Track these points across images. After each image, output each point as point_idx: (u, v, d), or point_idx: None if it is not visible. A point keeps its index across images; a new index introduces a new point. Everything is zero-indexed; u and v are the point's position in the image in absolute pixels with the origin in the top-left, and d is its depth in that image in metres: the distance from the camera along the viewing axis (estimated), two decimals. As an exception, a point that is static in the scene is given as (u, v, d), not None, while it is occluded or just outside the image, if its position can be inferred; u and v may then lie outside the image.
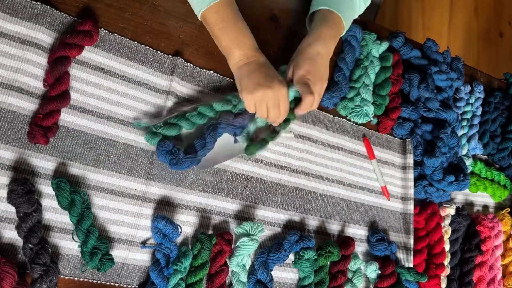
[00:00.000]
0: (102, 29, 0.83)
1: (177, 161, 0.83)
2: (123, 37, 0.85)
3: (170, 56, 0.89)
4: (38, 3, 0.77)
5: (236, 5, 0.88)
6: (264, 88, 0.84)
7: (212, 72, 0.94)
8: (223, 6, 0.85)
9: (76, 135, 0.79)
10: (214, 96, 0.92)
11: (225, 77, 0.95)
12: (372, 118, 1.13)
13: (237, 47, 0.87)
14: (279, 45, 1.04)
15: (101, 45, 0.83)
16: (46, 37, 0.77)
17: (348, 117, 1.11)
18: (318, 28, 0.94)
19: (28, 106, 0.75)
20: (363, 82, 1.11)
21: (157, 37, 0.89)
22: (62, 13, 0.80)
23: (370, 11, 1.02)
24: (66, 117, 0.78)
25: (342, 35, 1.01)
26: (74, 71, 0.80)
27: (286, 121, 0.92)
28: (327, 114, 1.08)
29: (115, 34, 0.84)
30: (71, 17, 0.81)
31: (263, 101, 0.85)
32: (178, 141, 0.87)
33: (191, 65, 0.92)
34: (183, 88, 0.90)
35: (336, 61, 1.09)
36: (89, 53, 0.81)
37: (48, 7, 0.78)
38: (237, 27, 0.87)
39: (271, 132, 0.93)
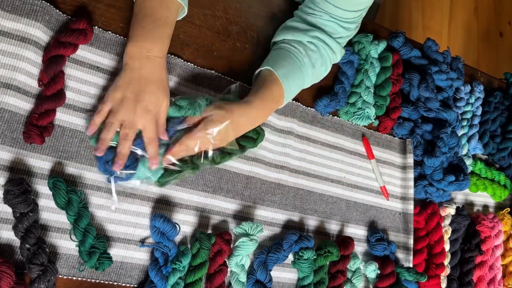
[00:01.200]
0: (96, 27, 0.83)
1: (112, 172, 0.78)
2: (117, 35, 0.84)
3: (168, 54, 0.89)
4: (39, 0, 0.77)
5: (174, 14, 0.82)
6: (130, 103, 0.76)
7: (213, 72, 0.94)
8: (158, 1, 0.79)
9: (72, 134, 0.78)
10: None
11: (225, 77, 0.95)
12: (373, 120, 1.13)
13: (131, 42, 0.78)
14: (278, 45, 1.04)
15: (95, 44, 0.82)
16: (44, 36, 0.77)
17: (350, 121, 1.10)
18: (257, 98, 0.87)
19: (24, 105, 0.75)
20: (365, 85, 1.11)
21: (156, 36, 0.89)
22: (61, 12, 0.80)
23: (370, 11, 1.01)
24: (62, 116, 0.78)
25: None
26: (69, 70, 0.79)
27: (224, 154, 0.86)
28: (327, 114, 1.07)
29: (110, 32, 0.84)
30: (69, 17, 0.81)
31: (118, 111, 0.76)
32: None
33: (191, 64, 0.91)
34: (182, 87, 0.90)
35: (337, 73, 1.09)
36: (83, 52, 0.81)
37: (47, 3, 0.78)
38: (149, 25, 0.79)
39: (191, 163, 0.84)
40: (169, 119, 0.83)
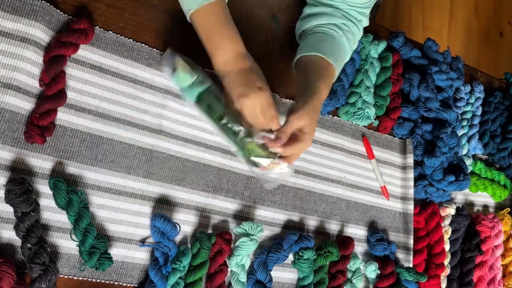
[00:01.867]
0: (97, 27, 0.83)
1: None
2: (118, 35, 0.85)
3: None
4: (38, 0, 0.77)
5: (227, 9, 0.85)
6: (245, 97, 0.82)
7: (213, 71, 0.94)
8: (211, 10, 0.82)
9: (73, 134, 0.79)
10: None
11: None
12: (373, 120, 1.13)
13: (219, 51, 0.83)
14: (279, 45, 1.04)
15: (96, 43, 0.82)
16: (44, 36, 0.77)
17: (349, 121, 1.11)
18: (325, 87, 0.89)
19: (25, 105, 0.75)
20: (365, 85, 1.11)
21: (157, 36, 0.89)
22: (61, 12, 0.80)
23: (370, 11, 1.02)
24: (63, 116, 0.78)
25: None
26: (70, 69, 0.79)
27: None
28: (327, 114, 1.07)
29: (110, 32, 0.84)
30: (70, 16, 0.81)
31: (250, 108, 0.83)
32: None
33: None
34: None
35: None
36: (84, 52, 0.81)
37: (47, 3, 0.78)
38: (225, 30, 0.83)
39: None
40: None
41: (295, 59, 0.94)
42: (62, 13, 0.80)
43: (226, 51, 0.83)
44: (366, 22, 1.02)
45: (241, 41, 0.85)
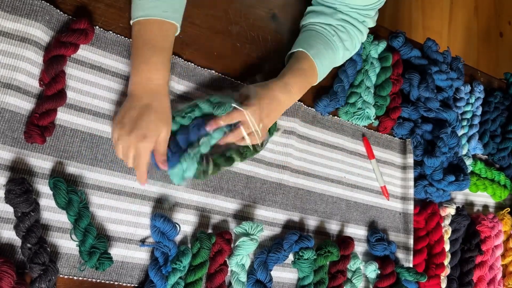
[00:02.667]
0: (97, 27, 0.83)
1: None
2: (118, 35, 0.85)
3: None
4: (38, 0, 0.77)
5: (173, 36, 0.81)
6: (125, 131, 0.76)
7: (213, 71, 0.94)
8: (157, 27, 0.78)
9: (73, 134, 0.79)
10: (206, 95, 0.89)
11: (226, 77, 0.95)
12: (373, 120, 1.13)
13: (134, 73, 0.79)
14: (279, 45, 1.04)
15: (96, 43, 0.82)
16: (44, 35, 0.77)
17: (349, 121, 1.11)
18: (290, 75, 0.92)
19: (25, 105, 0.75)
20: (365, 85, 1.11)
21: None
22: (61, 12, 0.80)
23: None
24: (63, 116, 0.78)
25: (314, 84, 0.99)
26: (70, 69, 0.79)
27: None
28: (327, 113, 1.07)
29: (110, 32, 0.84)
30: (70, 16, 0.81)
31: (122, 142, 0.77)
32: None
33: (192, 64, 0.91)
34: (181, 86, 0.90)
35: (337, 72, 1.09)
36: (84, 52, 0.81)
37: (47, 3, 0.78)
38: (159, 56, 0.79)
39: (237, 151, 0.88)
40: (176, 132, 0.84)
41: (286, 58, 0.99)
42: (62, 13, 0.80)
43: (147, 76, 0.78)
44: (371, 23, 1.03)
45: (167, 72, 0.81)
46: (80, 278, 0.77)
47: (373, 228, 1.10)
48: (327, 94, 1.06)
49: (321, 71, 0.97)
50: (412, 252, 1.11)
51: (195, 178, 0.83)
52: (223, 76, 0.95)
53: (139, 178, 0.80)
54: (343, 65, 1.09)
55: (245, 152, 0.89)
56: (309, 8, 1.03)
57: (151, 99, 0.78)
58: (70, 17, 0.81)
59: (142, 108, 0.77)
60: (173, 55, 0.89)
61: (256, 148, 0.89)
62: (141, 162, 0.77)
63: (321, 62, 0.96)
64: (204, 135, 0.83)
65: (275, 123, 0.94)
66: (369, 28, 1.05)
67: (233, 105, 0.84)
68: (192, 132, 0.83)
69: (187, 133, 0.83)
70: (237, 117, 0.84)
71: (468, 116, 1.32)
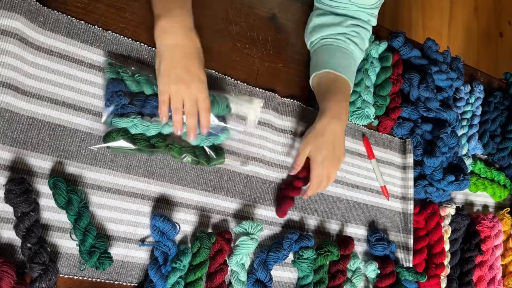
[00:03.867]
0: (96, 26, 0.83)
1: (116, 104, 0.80)
2: (117, 35, 0.85)
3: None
4: (36, 3, 0.77)
5: None
6: (182, 83, 0.78)
7: (213, 71, 0.94)
8: None
9: (73, 134, 0.79)
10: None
11: (226, 77, 0.95)
12: (373, 120, 1.13)
13: (166, 16, 0.77)
14: (279, 45, 1.04)
15: (95, 43, 0.82)
16: (40, 37, 0.77)
17: (349, 120, 1.11)
18: (332, 102, 0.93)
19: (24, 105, 0.75)
20: (364, 85, 1.11)
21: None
22: (60, 13, 0.80)
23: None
24: (62, 116, 0.78)
25: None
26: (69, 69, 0.79)
27: (218, 154, 0.88)
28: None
29: (109, 31, 0.84)
30: (69, 16, 0.81)
31: (178, 94, 0.79)
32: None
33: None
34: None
35: None
36: (84, 51, 0.81)
37: (40, 5, 0.78)
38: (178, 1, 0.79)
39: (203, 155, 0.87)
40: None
41: (310, 79, 0.99)
42: (61, 13, 0.80)
43: (174, 20, 0.78)
44: (374, 22, 1.04)
45: (191, 15, 0.81)
46: (80, 278, 0.77)
47: (373, 228, 1.10)
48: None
49: (352, 82, 0.99)
50: (412, 252, 1.11)
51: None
52: (223, 76, 0.95)
53: (206, 122, 0.81)
54: None
55: (175, 150, 0.85)
56: (314, 21, 1.02)
57: (187, 42, 0.79)
58: (69, 16, 0.81)
59: (182, 57, 0.78)
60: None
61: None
62: (207, 104, 0.80)
63: (350, 74, 0.98)
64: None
65: (223, 154, 0.90)
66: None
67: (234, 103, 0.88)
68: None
69: None
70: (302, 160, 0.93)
71: (468, 116, 1.32)
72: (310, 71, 1.00)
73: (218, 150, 0.89)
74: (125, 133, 0.80)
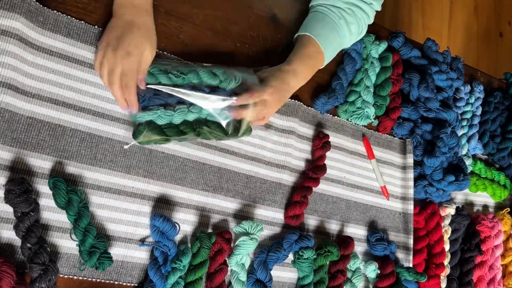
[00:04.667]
0: (96, 26, 0.83)
1: (143, 99, 0.82)
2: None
3: (165, 53, 0.89)
4: (36, 3, 0.77)
5: None
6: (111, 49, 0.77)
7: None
8: None
9: (72, 134, 0.79)
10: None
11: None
12: (373, 120, 1.13)
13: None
14: (279, 45, 1.04)
15: (95, 43, 0.82)
16: (41, 37, 0.77)
17: (349, 120, 1.11)
18: (297, 60, 0.95)
19: (24, 105, 0.75)
20: (364, 84, 1.11)
21: (157, 37, 0.89)
22: (59, 13, 0.80)
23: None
24: (62, 116, 0.78)
25: (321, 67, 1.01)
26: (69, 69, 0.79)
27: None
28: (327, 113, 1.07)
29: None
30: (69, 16, 0.81)
31: (106, 59, 0.78)
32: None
33: (191, 63, 0.91)
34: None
35: (336, 70, 1.09)
36: (84, 51, 0.81)
37: (43, 7, 0.78)
38: None
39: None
40: (214, 88, 0.86)
41: (294, 38, 1.01)
42: (60, 13, 0.80)
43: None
44: (378, 7, 1.04)
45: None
46: (80, 278, 0.77)
47: (373, 228, 1.10)
48: (326, 92, 1.06)
49: (328, 55, 0.99)
50: (412, 252, 1.11)
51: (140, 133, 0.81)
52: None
53: (129, 99, 0.79)
54: (341, 62, 1.09)
55: (203, 133, 0.86)
56: None
57: (134, 16, 0.79)
58: (69, 17, 0.81)
59: (125, 26, 0.78)
60: (172, 54, 0.89)
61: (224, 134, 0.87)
62: (129, 80, 0.78)
63: (328, 47, 0.98)
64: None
65: (250, 126, 0.92)
66: (369, 28, 1.05)
67: (246, 77, 0.88)
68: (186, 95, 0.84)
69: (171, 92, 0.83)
70: (258, 96, 0.86)
71: (468, 116, 1.32)
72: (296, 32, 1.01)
73: (243, 121, 0.89)
74: (152, 126, 0.82)
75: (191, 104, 0.85)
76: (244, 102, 0.86)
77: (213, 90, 0.86)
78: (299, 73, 0.95)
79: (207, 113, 0.86)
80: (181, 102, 0.85)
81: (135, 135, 0.81)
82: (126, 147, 0.82)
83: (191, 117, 0.85)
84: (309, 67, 0.98)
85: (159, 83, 0.84)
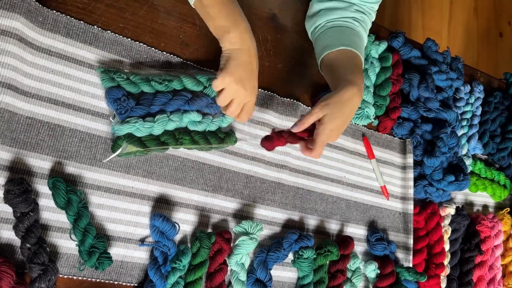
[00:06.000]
0: (95, 26, 0.83)
1: (125, 110, 0.80)
2: (116, 35, 0.84)
3: (164, 53, 0.89)
4: (36, 3, 0.77)
5: None
6: (241, 85, 0.82)
7: (213, 71, 0.94)
8: None
9: (72, 134, 0.79)
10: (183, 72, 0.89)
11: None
12: (373, 120, 1.13)
13: (235, 28, 0.81)
14: (279, 45, 1.04)
15: (95, 43, 0.82)
16: (40, 37, 0.77)
17: (349, 119, 1.11)
18: (356, 76, 0.87)
19: (23, 105, 0.75)
20: (364, 84, 1.11)
21: (157, 37, 0.89)
22: (59, 13, 0.80)
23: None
24: (62, 116, 0.78)
25: None
26: (68, 69, 0.79)
27: (229, 135, 0.91)
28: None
29: (108, 32, 0.84)
30: (68, 16, 0.81)
31: (232, 93, 0.82)
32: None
33: (191, 63, 0.91)
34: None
35: None
36: (83, 51, 0.81)
37: (42, 7, 0.78)
38: (235, 8, 0.82)
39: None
40: (197, 94, 0.87)
41: (320, 59, 0.95)
42: (60, 13, 0.80)
43: (238, 27, 0.81)
44: (374, 17, 1.03)
45: (245, 17, 0.84)
46: (80, 278, 0.77)
47: (373, 227, 1.10)
48: (325, 92, 1.06)
49: (363, 64, 0.96)
50: (412, 252, 1.11)
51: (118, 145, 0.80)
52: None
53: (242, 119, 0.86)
54: None
55: (185, 143, 0.86)
56: (317, 6, 0.99)
57: (251, 46, 0.83)
58: (68, 17, 0.81)
59: (253, 66, 0.84)
60: (172, 54, 0.89)
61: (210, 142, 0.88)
62: (248, 116, 0.86)
63: (363, 55, 0.94)
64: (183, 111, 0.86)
65: (234, 134, 0.92)
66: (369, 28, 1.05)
67: None
68: (174, 102, 0.85)
69: (156, 99, 0.84)
70: (309, 121, 0.84)
71: (468, 116, 1.32)
72: (320, 53, 0.95)
73: (229, 132, 0.91)
74: (131, 138, 0.80)
75: (171, 112, 0.85)
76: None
77: (197, 96, 0.87)
78: (360, 87, 0.87)
79: (187, 121, 0.86)
80: (162, 110, 0.84)
81: (113, 148, 0.80)
82: (105, 160, 0.81)
83: (171, 126, 0.84)
84: (362, 78, 0.91)
85: (141, 92, 0.84)
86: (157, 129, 0.83)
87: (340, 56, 0.91)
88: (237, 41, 0.81)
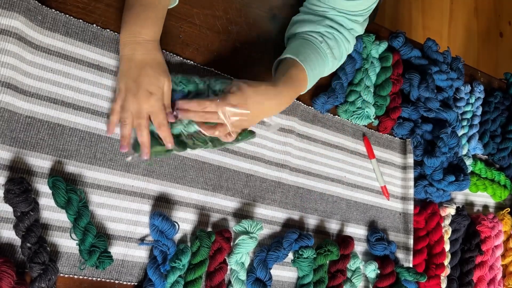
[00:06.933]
0: (94, 25, 0.83)
1: None
2: (115, 33, 0.84)
3: (164, 52, 0.89)
4: (35, 2, 0.77)
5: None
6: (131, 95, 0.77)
7: (212, 69, 0.94)
8: None
9: (72, 133, 0.79)
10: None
11: (225, 75, 0.95)
12: (373, 120, 1.13)
13: (133, 31, 0.78)
14: (279, 45, 1.04)
15: (94, 42, 0.82)
16: (39, 36, 0.77)
17: (349, 120, 1.11)
18: (283, 84, 0.86)
19: (23, 105, 0.75)
20: (364, 84, 1.11)
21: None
22: (59, 12, 0.80)
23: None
24: (61, 115, 0.78)
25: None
26: (68, 68, 0.79)
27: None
28: (327, 113, 1.07)
29: (108, 30, 0.84)
30: (67, 15, 0.81)
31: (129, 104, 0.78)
32: None
33: (191, 62, 0.91)
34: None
35: (336, 70, 1.09)
36: (82, 50, 0.81)
37: (41, 5, 0.78)
38: (145, 8, 0.79)
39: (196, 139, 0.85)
40: (173, 91, 0.83)
41: (273, 66, 0.95)
42: (59, 12, 0.80)
43: (136, 30, 0.78)
44: (359, 30, 0.99)
45: (158, 29, 0.81)
46: (80, 277, 0.77)
47: (373, 227, 1.10)
48: (325, 92, 1.06)
49: (311, 80, 0.92)
50: (412, 252, 1.11)
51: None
52: (223, 75, 0.95)
53: (165, 136, 0.79)
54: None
55: (197, 142, 0.84)
56: (294, 19, 1.00)
57: (142, 54, 0.78)
58: (68, 16, 0.81)
59: (137, 68, 0.77)
60: (172, 54, 0.89)
61: (215, 143, 0.85)
62: (161, 120, 0.78)
63: (312, 70, 0.91)
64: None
65: (252, 131, 0.89)
66: (369, 28, 1.05)
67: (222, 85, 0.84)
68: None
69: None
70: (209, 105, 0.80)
71: (468, 116, 1.31)
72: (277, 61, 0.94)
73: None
74: (153, 137, 0.80)
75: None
76: (189, 107, 0.80)
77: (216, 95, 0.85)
78: (283, 95, 0.86)
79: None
80: None
81: (135, 148, 0.80)
82: (128, 159, 0.81)
83: (191, 129, 0.83)
84: (293, 91, 0.89)
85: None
86: (176, 129, 0.82)
87: (284, 64, 0.91)
88: (121, 44, 0.80)
